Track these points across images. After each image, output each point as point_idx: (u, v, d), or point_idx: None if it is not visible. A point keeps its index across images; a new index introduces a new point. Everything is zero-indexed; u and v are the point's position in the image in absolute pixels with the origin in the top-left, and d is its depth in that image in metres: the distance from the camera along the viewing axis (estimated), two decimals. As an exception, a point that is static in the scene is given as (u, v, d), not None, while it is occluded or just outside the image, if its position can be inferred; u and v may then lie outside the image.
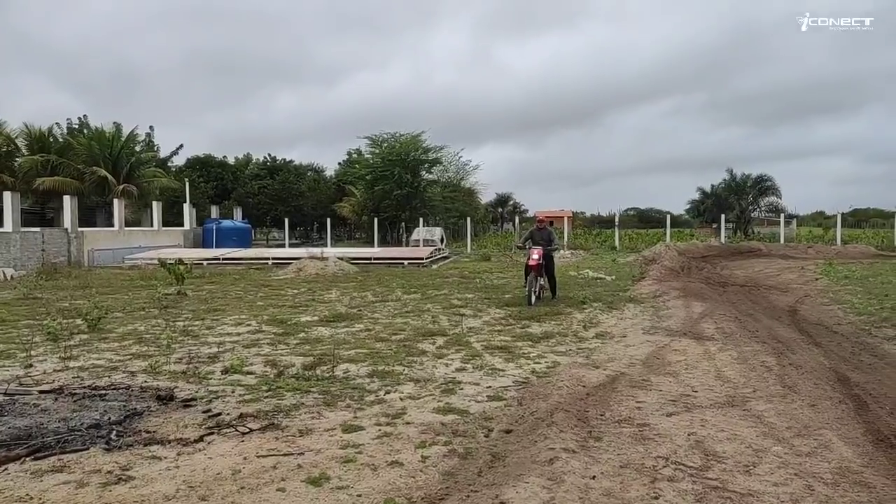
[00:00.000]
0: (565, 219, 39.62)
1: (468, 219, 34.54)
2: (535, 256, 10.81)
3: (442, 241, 29.98)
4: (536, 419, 4.42)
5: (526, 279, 11.07)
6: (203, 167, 48.25)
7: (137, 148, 33.35)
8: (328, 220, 37.24)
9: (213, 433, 4.27)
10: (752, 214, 42.30)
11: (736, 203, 40.95)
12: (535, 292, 10.85)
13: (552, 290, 11.53)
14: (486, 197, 58.73)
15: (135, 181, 30.43)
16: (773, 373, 5.70)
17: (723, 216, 34.52)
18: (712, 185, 44.58)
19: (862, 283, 13.80)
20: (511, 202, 66.95)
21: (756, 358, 6.32)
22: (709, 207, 43.08)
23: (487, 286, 14.09)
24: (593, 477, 3.35)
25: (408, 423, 4.45)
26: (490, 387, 5.48)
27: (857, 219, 53.09)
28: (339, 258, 19.44)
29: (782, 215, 36.29)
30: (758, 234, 36.88)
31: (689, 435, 4.04)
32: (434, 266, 21.08)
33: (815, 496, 3.12)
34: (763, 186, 41.60)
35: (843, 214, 33.69)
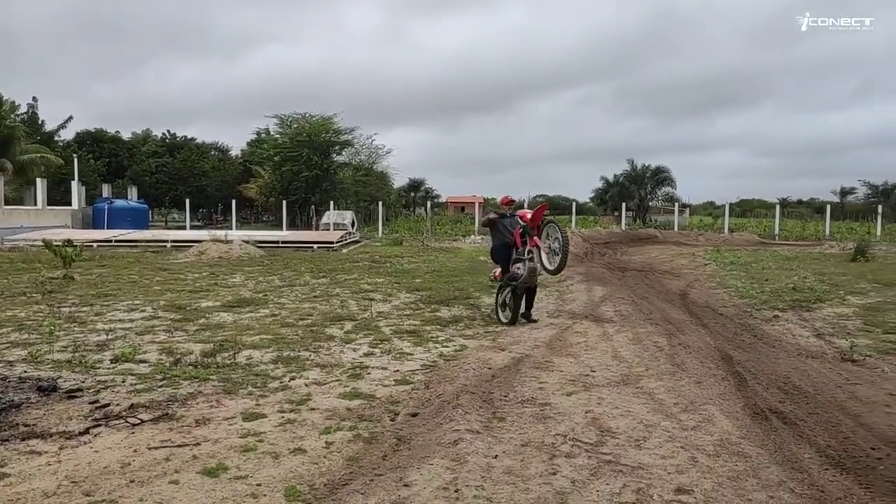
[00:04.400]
0: (476, 204, 40.19)
1: (380, 203, 34.31)
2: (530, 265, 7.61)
3: (353, 225, 29.60)
4: (443, 402, 4.46)
5: (505, 293, 7.85)
6: (94, 143, 45.00)
7: (12, 120, 30.49)
8: (233, 201, 35.76)
9: (100, 425, 4.00)
10: (650, 203, 44.68)
11: (636, 192, 43.09)
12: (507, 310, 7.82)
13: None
14: (399, 181, 58.56)
15: (10, 156, 27.84)
16: (665, 352, 6.06)
17: (623, 204, 36.20)
18: (615, 175, 46.61)
19: (745, 268, 14.91)
20: (424, 187, 67.12)
21: (650, 339, 6.69)
22: (612, 196, 45.06)
23: (398, 271, 14.07)
24: (496, 456, 3.43)
25: (312, 410, 4.37)
26: (398, 371, 5.48)
27: (744, 209, 57.43)
28: (244, 241, 18.76)
29: (677, 205, 38.67)
30: (655, 221, 38.97)
31: (586, 413, 4.22)
32: (344, 250, 20.80)
33: (698, 467, 3.34)
34: (660, 177, 44.06)
35: (730, 205, 36.36)
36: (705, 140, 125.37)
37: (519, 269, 7.62)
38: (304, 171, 34.02)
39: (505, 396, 4.59)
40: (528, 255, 7.72)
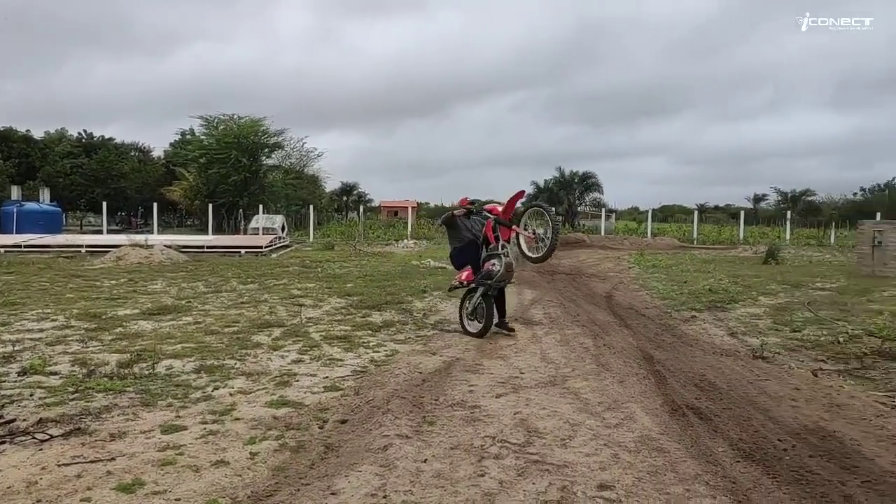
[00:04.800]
0: (409, 209, 40.18)
1: (311, 207, 33.73)
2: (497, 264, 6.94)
3: (283, 229, 28.98)
4: (373, 407, 4.42)
5: (474, 299, 7.07)
6: (2, 142, 42.10)
7: None
8: (155, 204, 34.28)
9: (4, 442, 3.73)
10: (579, 208, 46.06)
11: (565, 198, 44.38)
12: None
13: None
14: (332, 185, 57.86)
15: None
16: (590, 353, 6.24)
17: (553, 209, 37.09)
18: (545, 181, 47.84)
19: (666, 271, 15.58)
20: (357, 191, 66.59)
21: (576, 340, 6.88)
22: (543, 201, 46.20)
23: (329, 275, 13.86)
24: (425, 460, 3.43)
25: (237, 420, 4.23)
26: (327, 377, 5.39)
27: (665, 214, 60.21)
28: (167, 246, 17.99)
29: (604, 210, 40.02)
30: (583, 226, 40.20)
31: (514, 414, 4.28)
32: (274, 255, 20.31)
33: (620, 463, 3.46)
34: (588, 183, 45.59)
35: (653, 210, 37.97)
36: (631, 148, 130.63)
37: (494, 265, 6.87)
38: (232, 173, 33.08)
39: (435, 400, 4.60)
40: (502, 249, 7.02)
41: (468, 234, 7.36)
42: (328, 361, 5.97)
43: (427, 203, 70.22)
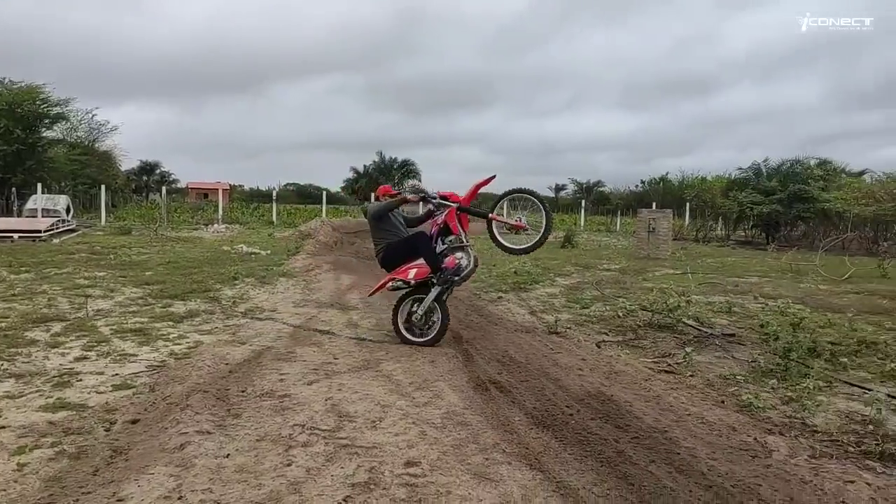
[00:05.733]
0: (220, 191, 37.81)
1: (103, 187, 30.19)
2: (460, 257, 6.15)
3: (68, 211, 25.56)
4: (170, 404, 4.10)
5: (428, 300, 6.11)
6: None
7: None
8: None
9: None
10: (398, 194, 46.90)
11: (385, 183, 44.81)
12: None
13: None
14: (129, 164, 52.37)
15: None
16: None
17: (373, 194, 37.29)
18: (365, 166, 47.88)
19: (479, 254, 16.43)
20: (159, 171, 60.95)
21: (391, 324, 6.98)
22: (362, 186, 46.21)
23: (125, 263, 12.54)
24: (227, 455, 3.26)
25: (2, 428, 3.67)
26: (117, 375, 4.89)
27: (480, 201, 63.49)
28: (-90, 230, 14.97)
29: (421, 196, 41.02)
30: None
31: (326, 400, 4.24)
32: (56, 240, 17.87)
33: (426, 440, 3.59)
34: (407, 169, 46.57)
35: (467, 198, 39.82)
36: (448, 136, 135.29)
37: (462, 259, 6.10)
38: (2, 145, 28.37)
39: (242, 392, 4.39)
40: (467, 241, 6.32)
41: (405, 228, 6.58)
42: (119, 357, 5.41)
43: (241, 185, 66.52)
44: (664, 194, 42.63)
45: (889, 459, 3.48)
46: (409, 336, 6.18)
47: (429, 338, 6.08)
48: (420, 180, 47.85)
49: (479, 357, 5.63)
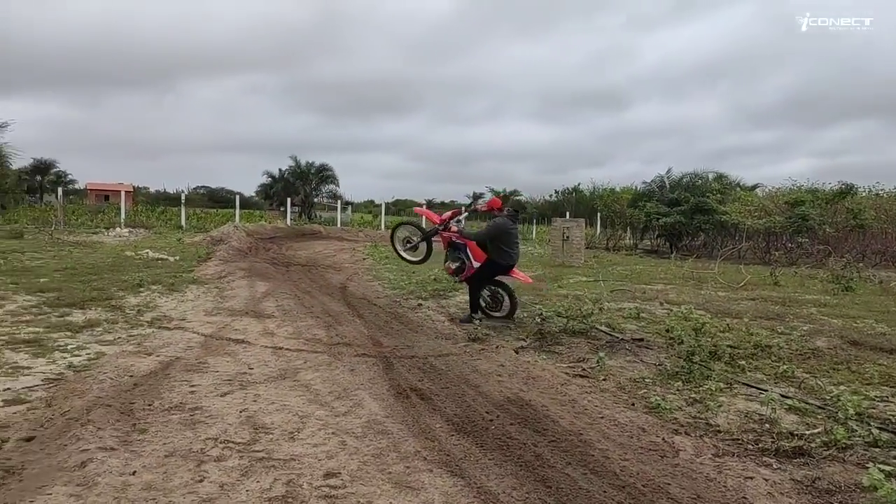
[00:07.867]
0: (123, 193, 35.72)
1: (-9, 186, 27.82)
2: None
3: (-51, 211, 23.37)
4: (68, 420, 3.82)
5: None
6: None
7: None
8: None
9: None
10: (315, 200, 46.01)
11: (301, 188, 43.92)
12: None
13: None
14: (20, 162, 48.55)
15: None
16: (323, 344, 6.26)
17: (289, 200, 36.45)
18: (280, 170, 46.67)
19: (397, 262, 16.39)
20: (54, 170, 56.93)
21: (309, 332, 6.85)
22: (277, 191, 45.06)
23: (16, 269, 11.58)
24: (133, 472, 3.07)
25: None
26: (9, 389, 4.50)
27: (399, 208, 63.54)
28: None
29: (340, 202, 40.55)
30: (320, 217, 40.28)
31: (240, 412, 4.09)
32: (-66, 243, 16.26)
33: (346, 450, 3.53)
34: (325, 175, 45.78)
35: (387, 204, 39.68)
36: (367, 142, 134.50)
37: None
38: None
39: (149, 405, 4.16)
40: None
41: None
42: (11, 371, 4.99)
43: (146, 188, 63.20)
44: (577, 204, 44.22)
45: (784, 456, 3.75)
46: (485, 314, 8.18)
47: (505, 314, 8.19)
48: (338, 186, 47.23)
49: (400, 365, 5.60)
